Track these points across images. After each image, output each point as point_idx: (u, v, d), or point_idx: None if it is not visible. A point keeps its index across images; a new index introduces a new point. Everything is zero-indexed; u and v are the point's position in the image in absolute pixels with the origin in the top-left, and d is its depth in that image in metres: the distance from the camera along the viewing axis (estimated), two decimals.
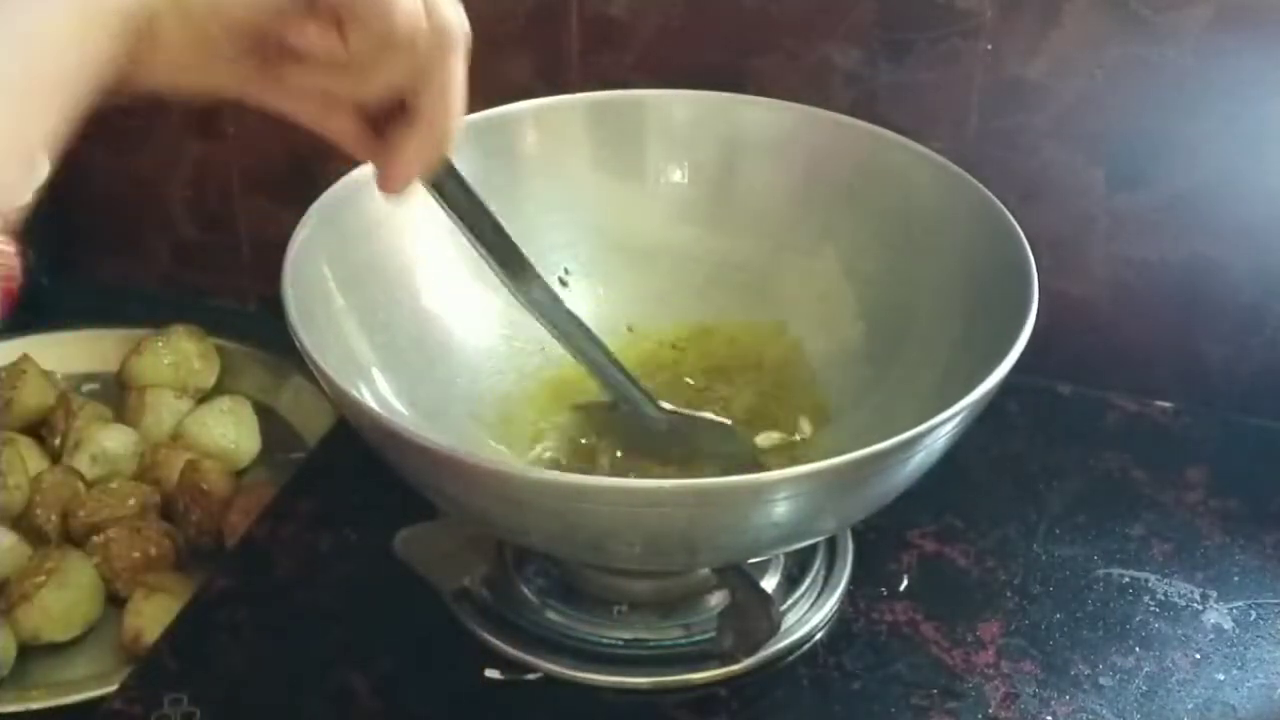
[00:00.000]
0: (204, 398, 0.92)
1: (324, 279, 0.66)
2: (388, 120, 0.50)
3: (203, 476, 0.83)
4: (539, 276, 0.62)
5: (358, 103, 0.49)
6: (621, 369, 0.66)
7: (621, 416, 0.68)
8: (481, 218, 0.58)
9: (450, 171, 0.55)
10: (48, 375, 0.90)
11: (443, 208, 0.57)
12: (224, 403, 0.90)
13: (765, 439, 0.71)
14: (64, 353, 0.94)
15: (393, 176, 0.51)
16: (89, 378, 0.95)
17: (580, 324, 0.65)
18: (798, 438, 0.71)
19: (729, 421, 0.70)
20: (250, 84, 0.47)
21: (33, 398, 0.88)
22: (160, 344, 0.92)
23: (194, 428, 0.88)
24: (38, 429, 0.88)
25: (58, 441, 0.86)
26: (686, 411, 0.69)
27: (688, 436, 0.68)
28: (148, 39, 0.42)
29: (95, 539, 0.79)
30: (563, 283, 0.74)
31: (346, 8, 0.44)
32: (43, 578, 0.75)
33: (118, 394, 0.92)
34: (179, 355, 0.92)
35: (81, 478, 0.84)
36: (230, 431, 0.88)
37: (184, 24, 0.42)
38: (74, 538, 0.81)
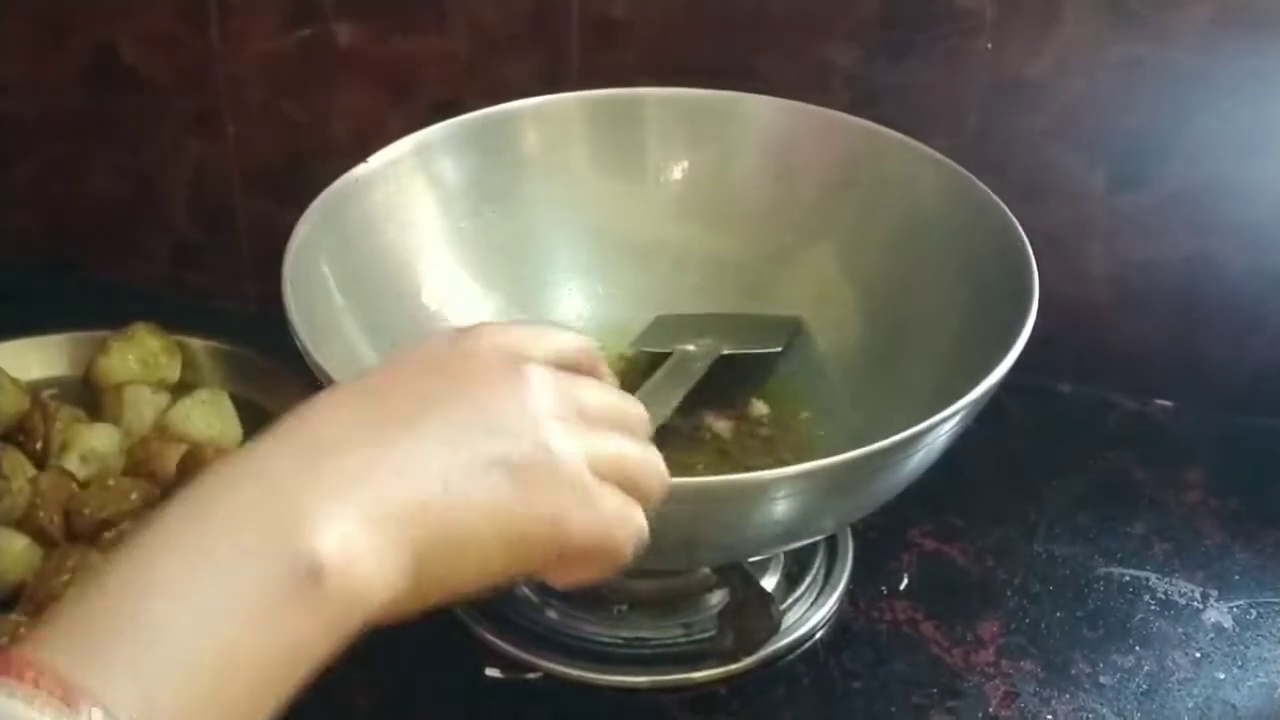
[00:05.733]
0: (179, 391, 0.92)
1: (324, 278, 0.66)
2: None
3: (206, 464, 0.83)
4: None
5: None
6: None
7: None
8: None
9: None
10: (16, 382, 0.90)
11: None
12: (203, 394, 0.90)
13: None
14: (15, 361, 0.93)
15: (564, 585, 0.48)
16: (46, 383, 0.95)
17: None
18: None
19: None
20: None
21: (10, 405, 0.88)
22: (125, 343, 0.93)
23: (177, 420, 0.89)
24: (14, 436, 0.88)
25: (38, 445, 0.86)
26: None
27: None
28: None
29: (107, 535, 0.79)
30: None
31: (585, 560, 0.43)
32: (68, 576, 0.75)
33: (82, 395, 0.92)
34: (145, 352, 0.93)
35: (73, 478, 0.84)
36: (214, 422, 0.89)
37: (420, 601, 0.42)
38: (78, 536, 0.81)
